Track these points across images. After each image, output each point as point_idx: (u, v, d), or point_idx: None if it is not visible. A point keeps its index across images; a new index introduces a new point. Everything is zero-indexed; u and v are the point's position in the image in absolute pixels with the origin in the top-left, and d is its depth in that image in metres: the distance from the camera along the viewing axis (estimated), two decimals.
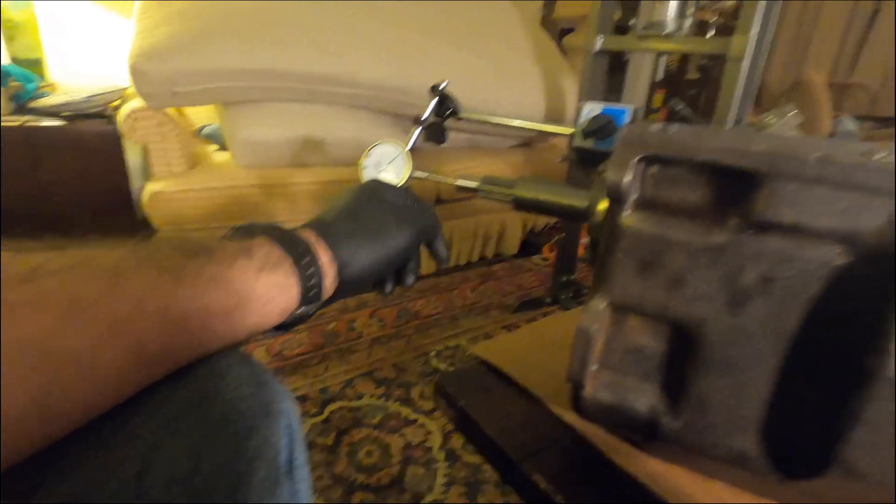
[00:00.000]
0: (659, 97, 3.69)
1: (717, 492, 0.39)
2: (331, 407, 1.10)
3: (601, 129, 0.46)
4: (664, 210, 0.32)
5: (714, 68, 3.77)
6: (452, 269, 1.89)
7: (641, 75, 3.38)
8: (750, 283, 0.30)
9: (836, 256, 0.28)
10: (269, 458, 0.28)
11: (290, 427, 0.31)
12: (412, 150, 0.58)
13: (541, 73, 1.91)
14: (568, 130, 0.51)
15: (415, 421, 1.08)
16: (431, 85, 0.61)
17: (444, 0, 1.97)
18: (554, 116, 1.87)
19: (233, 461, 0.26)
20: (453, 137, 1.94)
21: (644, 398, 0.37)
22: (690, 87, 3.72)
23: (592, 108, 0.49)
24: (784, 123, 0.69)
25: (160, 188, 1.26)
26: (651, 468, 0.41)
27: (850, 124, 2.80)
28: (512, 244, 2.02)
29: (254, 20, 1.39)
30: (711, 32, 1.11)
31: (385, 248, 0.43)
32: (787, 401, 0.31)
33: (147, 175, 1.36)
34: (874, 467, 0.27)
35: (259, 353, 1.27)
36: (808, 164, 0.27)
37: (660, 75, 3.30)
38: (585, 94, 1.40)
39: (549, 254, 2.04)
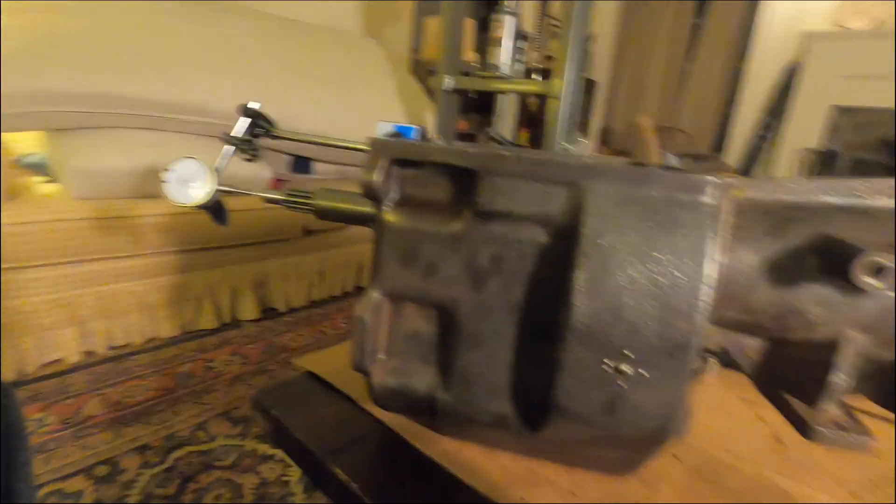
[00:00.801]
0: (523, 135, 4.07)
1: (500, 460, 0.44)
2: (176, 454, 1.01)
3: None
4: (416, 206, 0.37)
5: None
6: (327, 301, 1.86)
7: (505, 115, 3.71)
8: (485, 264, 0.35)
9: (539, 236, 0.34)
10: None
11: None
12: (219, 168, 0.59)
13: (403, 110, 2.01)
14: (367, 147, 0.56)
15: (272, 456, 1.03)
16: (241, 105, 0.63)
17: (310, 40, 2.01)
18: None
19: None
20: (323, 169, 1.95)
21: (423, 379, 0.40)
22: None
23: (385, 127, 0.55)
24: (577, 150, 0.83)
25: None
26: (445, 447, 0.45)
27: (673, 160, 3.34)
28: None
29: (94, 44, 1.30)
30: (538, 77, 1.28)
31: None
32: (523, 363, 0.37)
33: None
34: (578, 406, 0.33)
35: (94, 405, 1.13)
36: (508, 160, 0.34)
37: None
38: (440, 129, 1.51)
39: None
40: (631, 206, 0.33)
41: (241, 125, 0.60)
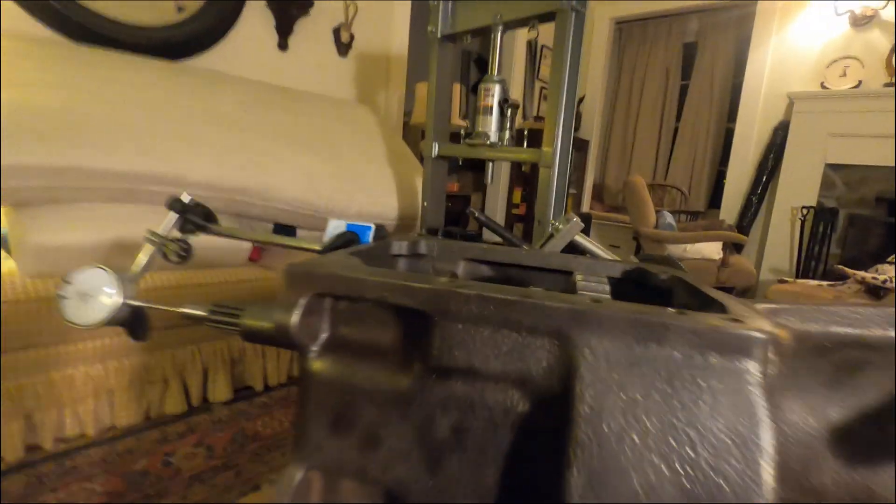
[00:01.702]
0: (518, 193, 4.06)
1: None
2: None
3: (344, 245, 0.43)
4: (352, 352, 0.27)
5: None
6: None
7: (499, 173, 3.70)
8: (443, 436, 0.25)
9: (515, 401, 0.24)
10: None
11: None
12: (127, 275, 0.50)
13: (394, 176, 1.97)
14: (314, 246, 0.47)
15: None
16: (169, 200, 0.55)
17: (299, 107, 2.01)
18: (409, 215, 1.91)
19: None
20: (305, 234, 1.87)
21: None
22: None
23: (337, 226, 0.47)
24: (569, 230, 0.75)
25: None
26: None
27: (669, 217, 3.30)
28: None
29: (64, 118, 1.25)
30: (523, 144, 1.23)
31: None
32: None
33: None
34: None
35: None
36: (469, 301, 0.24)
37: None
38: (427, 194, 1.45)
39: None
40: (643, 371, 0.23)
41: (168, 221, 0.52)
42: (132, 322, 0.50)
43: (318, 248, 0.46)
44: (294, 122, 1.86)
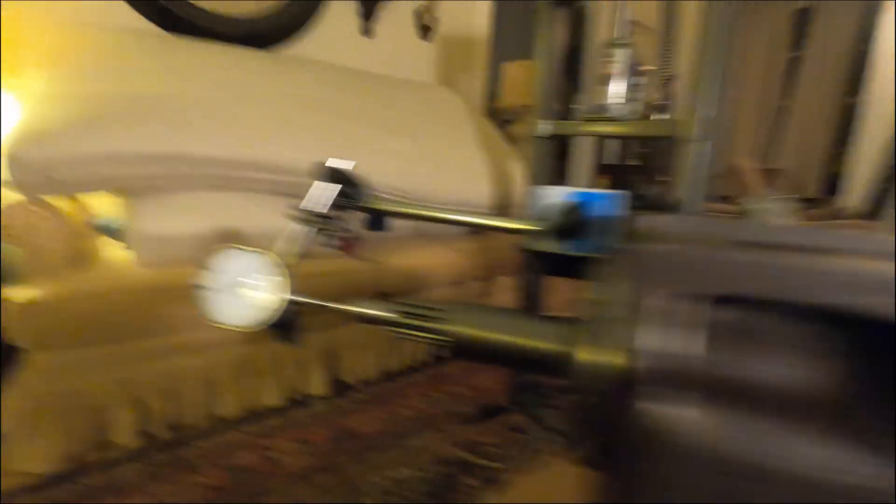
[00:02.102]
0: (603, 182, 3.80)
1: None
2: None
3: (574, 225, 0.31)
4: (755, 405, 0.14)
5: (653, 155, 3.97)
6: (401, 373, 1.66)
7: (580, 160, 3.47)
8: None
9: None
10: None
11: None
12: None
13: (485, 160, 1.85)
14: (517, 225, 0.36)
15: None
16: (322, 162, 0.45)
17: (384, 91, 1.93)
18: (501, 203, 1.78)
19: None
20: (400, 224, 1.81)
21: None
22: (632, 173, 3.88)
23: (554, 195, 0.34)
24: (779, 210, 0.60)
25: (24, 296, 1.01)
26: None
27: (777, 204, 2.93)
28: None
29: (166, 105, 1.25)
30: (660, 115, 1.06)
31: None
32: None
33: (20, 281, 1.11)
34: None
35: None
36: None
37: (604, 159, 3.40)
38: (533, 180, 1.31)
39: None
40: None
41: (319, 194, 0.43)
42: (286, 324, 0.42)
43: (532, 226, 0.35)
44: (382, 106, 1.78)
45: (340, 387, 1.51)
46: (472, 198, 1.72)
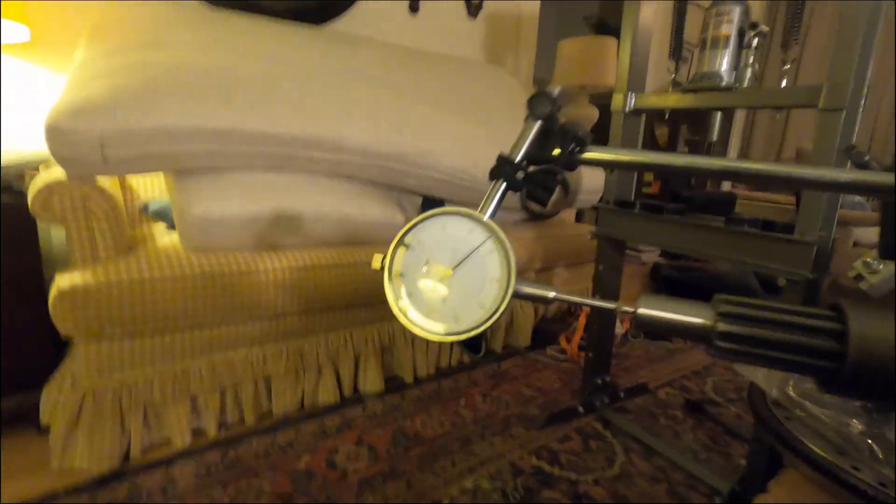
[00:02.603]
0: (649, 174, 3.60)
1: None
2: None
3: None
4: None
5: (702, 144, 3.75)
6: (456, 369, 1.55)
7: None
8: None
9: None
10: None
11: None
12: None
13: None
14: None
15: None
16: (532, 94, 0.33)
17: (440, 70, 1.81)
18: (571, 189, 1.65)
19: None
20: None
21: None
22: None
23: None
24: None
25: (71, 282, 0.93)
26: None
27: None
28: (524, 335, 1.71)
29: (218, 78, 1.15)
30: (784, 82, 0.90)
31: None
32: None
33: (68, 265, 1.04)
34: None
35: None
36: None
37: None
38: None
39: (566, 345, 1.73)
40: None
41: (528, 135, 0.31)
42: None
43: None
44: (439, 84, 1.66)
45: (395, 383, 1.41)
46: None
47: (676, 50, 1.11)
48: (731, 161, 0.36)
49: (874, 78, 3.65)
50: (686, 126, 3.68)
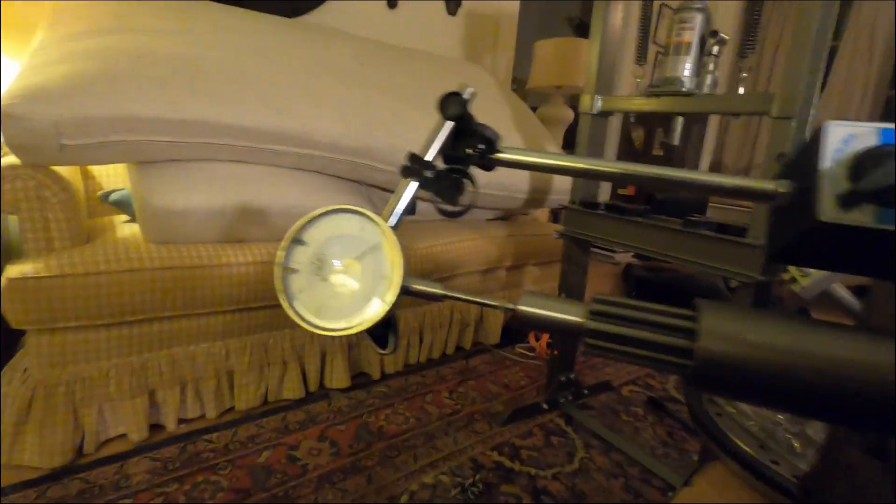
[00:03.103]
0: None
1: None
2: None
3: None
4: None
5: (675, 148, 3.82)
6: (425, 365, 1.55)
7: (594, 150, 3.33)
8: None
9: None
10: None
11: None
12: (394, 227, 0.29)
13: (522, 141, 1.73)
14: (776, 188, 0.25)
15: None
16: (442, 95, 0.34)
17: (416, 65, 1.80)
18: (539, 186, 1.66)
19: None
20: (424, 208, 1.69)
21: None
22: (655, 164, 3.73)
23: (853, 136, 0.22)
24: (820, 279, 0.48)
25: (21, 272, 0.90)
26: None
27: None
28: (493, 332, 1.72)
29: (183, 66, 1.12)
30: (741, 89, 0.93)
31: None
32: None
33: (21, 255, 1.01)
34: None
35: None
36: None
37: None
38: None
39: (535, 343, 1.75)
40: None
41: (439, 135, 0.31)
42: (383, 323, 0.30)
43: (840, 185, 0.23)
44: (411, 80, 1.66)
45: (362, 378, 1.41)
46: (514, 182, 1.60)
47: (642, 53, 1.13)
48: (629, 165, 0.37)
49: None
50: (662, 129, 3.75)
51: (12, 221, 1.32)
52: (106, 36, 1.16)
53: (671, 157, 3.83)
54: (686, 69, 1.01)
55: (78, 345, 0.98)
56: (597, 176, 0.36)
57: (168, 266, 1.03)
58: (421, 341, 1.55)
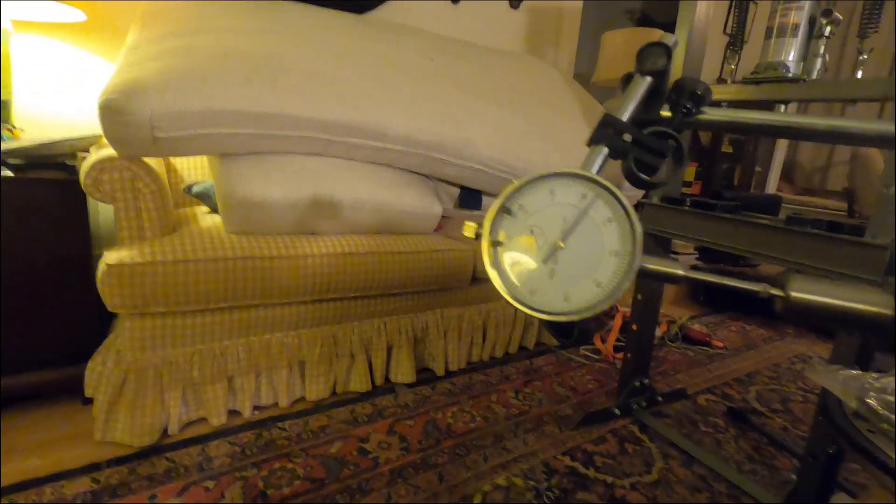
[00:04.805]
0: (692, 170, 3.49)
1: None
2: None
3: None
4: None
5: (749, 142, 3.60)
6: (488, 364, 1.53)
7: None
8: None
9: None
10: None
11: None
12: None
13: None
14: None
15: None
16: (642, 46, 0.30)
17: (483, 60, 1.78)
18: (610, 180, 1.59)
19: None
20: (490, 204, 1.66)
21: None
22: (724, 161, 3.54)
23: None
24: None
25: (119, 259, 0.95)
26: None
27: None
28: None
29: (263, 63, 1.15)
30: (858, 73, 0.84)
31: None
32: None
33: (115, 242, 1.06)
34: None
35: (233, 493, 0.90)
36: None
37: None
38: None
39: (601, 345, 1.69)
40: None
41: (635, 92, 0.28)
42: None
43: None
44: (479, 74, 1.63)
45: (426, 374, 1.40)
46: None
47: (737, 40, 1.06)
48: (847, 121, 0.32)
49: None
50: None
51: (102, 211, 1.40)
52: (193, 36, 1.21)
53: (742, 155, 3.61)
54: (792, 53, 0.93)
55: (166, 329, 1.02)
56: (805, 133, 0.31)
57: (248, 255, 1.05)
58: (484, 339, 1.53)
